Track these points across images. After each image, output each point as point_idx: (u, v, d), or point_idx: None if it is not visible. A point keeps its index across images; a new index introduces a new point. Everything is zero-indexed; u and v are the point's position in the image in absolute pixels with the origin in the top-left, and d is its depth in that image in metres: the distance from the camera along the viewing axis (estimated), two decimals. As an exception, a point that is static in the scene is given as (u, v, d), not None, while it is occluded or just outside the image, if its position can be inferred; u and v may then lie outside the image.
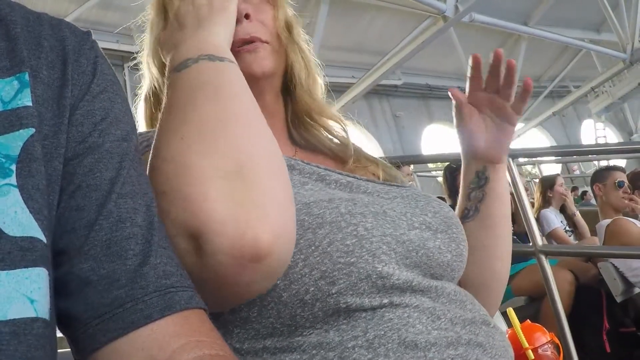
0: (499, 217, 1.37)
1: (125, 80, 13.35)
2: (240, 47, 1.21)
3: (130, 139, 0.83)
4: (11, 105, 0.71)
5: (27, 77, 0.74)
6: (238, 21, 1.18)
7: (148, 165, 0.91)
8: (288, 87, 1.33)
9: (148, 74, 1.30)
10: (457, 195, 4.42)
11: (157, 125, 0.95)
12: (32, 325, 0.62)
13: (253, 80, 1.18)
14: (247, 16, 1.22)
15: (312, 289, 0.94)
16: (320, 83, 1.37)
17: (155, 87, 1.28)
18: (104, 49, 0.88)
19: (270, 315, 0.96)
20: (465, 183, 1.42)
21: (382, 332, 0.95)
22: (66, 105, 0.76)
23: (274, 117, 1.28)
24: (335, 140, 1.35)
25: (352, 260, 0.95)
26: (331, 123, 1.35)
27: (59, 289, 0.70)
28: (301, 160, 1.18)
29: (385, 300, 0.97)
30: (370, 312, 0.97)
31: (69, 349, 0.75)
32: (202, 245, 0.81)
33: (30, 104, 0.72)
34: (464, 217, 1.38)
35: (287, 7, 1.33)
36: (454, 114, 1.45)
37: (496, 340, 1.06)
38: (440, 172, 6.76)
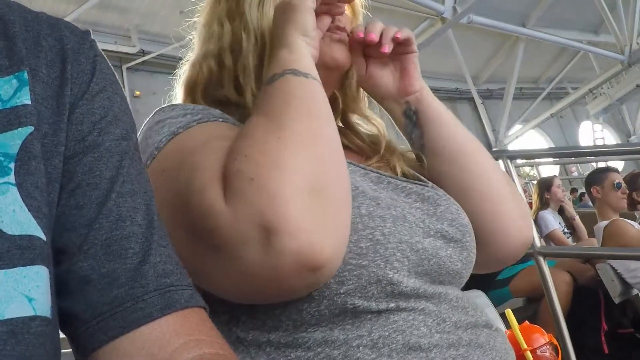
0: (445, 137, 1.28)
1: (123, 82, 13.37)
2: (333, 32, 1.23)
3: (130, 137, 0.82)
4: (10, 104, 0.71)
5: (26, 75, 0.74)
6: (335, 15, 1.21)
7: (231, 149, 0.92)
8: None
9: (221, 32, 1.26)
10: None
11: (250, 123, 0.96)
12: (30, 324, 0.62)
13: (331, 69, 1.23)
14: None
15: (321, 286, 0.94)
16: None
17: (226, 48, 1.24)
18: (102, 50, 0.88)
19: (278, 307, 0.96)
20: (401, 132, 1.35)
21: (387, 334, 0.96)
22: (65, 103, 0.76)
23: None
24: (366, 135, 1.37)
25: (363, 263, 0.96)
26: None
27: (59, 288, 0.70)
28: None
29: (392, 305, 0.98)
30: (376, 314, 0.97)
31: (70, 350, 0.75)
32: (272, 241, 0.82)
33: (29, 102, 0.72)
34: (422, 166, 1.30)
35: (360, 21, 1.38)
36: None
37: (497, 343, 1.07)
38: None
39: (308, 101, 0.97)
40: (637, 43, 17.28)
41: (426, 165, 1.28)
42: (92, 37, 0.87)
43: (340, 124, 1.37)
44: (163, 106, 1.15)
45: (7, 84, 0.73)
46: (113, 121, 0.80)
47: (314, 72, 1.03)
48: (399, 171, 1.26)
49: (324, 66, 1.18)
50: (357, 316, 0.97)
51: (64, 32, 0.82)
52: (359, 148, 1.33)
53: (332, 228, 0.86)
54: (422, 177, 1.26)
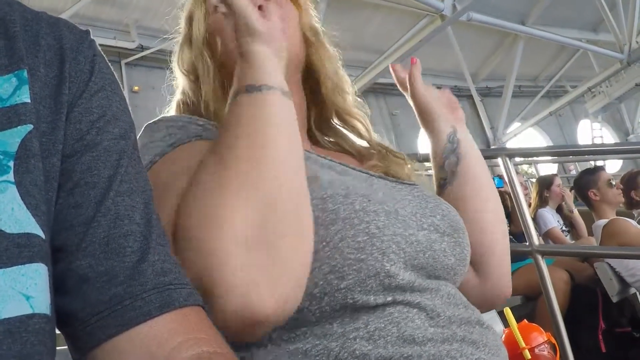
0: (478, 170, 1.39)
1: (122, 77, 13.36)
2: None
3: (128, 136, 0.83)
4: (9, 102, 0.71)
5: (25, 74, 0.74)
6: None
7: (181, 200, 0.93)
8: (314, 87, 1.36)
9: (180, 80, 1.34)
10: None
11: (201, 164, 0.96)
12: (27, 322, 0.62)
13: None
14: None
15: (321, 282, 0.96)
16: (349, 89, 1.40)
17: (183, 93, 1.33)
18: (100, 45, 0.88)
19: None
20: (437, 153, 1.41)
21: (382, 325, 0.97)
22: (63, 102, 0.76)
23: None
24: (360, 141, 1.38)
25: (362, 257, 0.97)
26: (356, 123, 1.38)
27: (57, 286, 0.70)
28: (316, 154, 1.19)
29: (389, 299, 0.99)
30: (374, 308, 0.99)
31: (64, 347, 0.75)
32: (212, 302, 0.82)
33: (28, 100, 0.72)
34: (442, 186, 1.39)
35: (311, 14, 1.37)
36: (401, 89, 1.48)
37: (489, 340, 1.09)
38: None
39: (259, 127, 0.95)
40: (637, 42, 17.28)
41: (447, 190, 1.36)
42: (91, 36, 0.87)
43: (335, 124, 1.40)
44: (150, 123, 1.16)
45: (7, 82, 0.73)
46: (111, 120, 0.81)
47: (271, 77, 1.01)
48: (397, 171, 1.29)
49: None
50: (355, 310, 0.98)
51: (63, 31, 0.83)
52: (359, 152, 1.36)
53: (279, 274, 0.86)
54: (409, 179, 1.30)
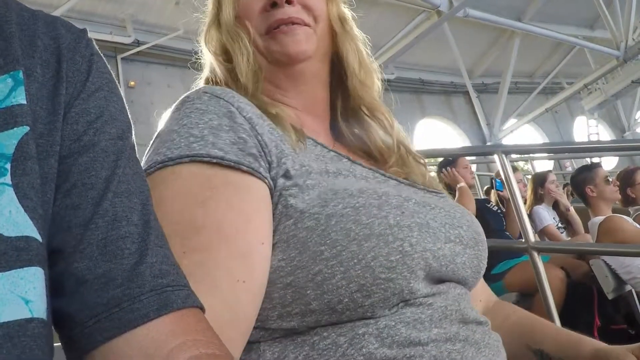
0: None
1: (118, 72, 13.35)
2: (277, 28, 1.23)
3: (126, 137, 0.82)
4: (5, 104, 0.71)
5: (21, 75, 0.73)
6: (278, 6, 1.23)
7: None
8: (341, 77, 1.35)
9: (206, 59, 1.35)
10: (454, 190, 4.37)
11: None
12: (26, 326, 0.62)
13: (289, 61, 1.24)
14: (289, 2, 1.24)
15: (346, 300, 0.95)
16: (375, 80, 1.39)
17: (210, 71, 1.34)
18: (96, 40, 0.87)
19: (293, 320, 0.97)
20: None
21: (393, 323, 0.97)
22: (60, 103, 0.76)
23: (315, 105, 1.31)
24: (383, 138, 1.37)
25: (392, 276, 0.96)
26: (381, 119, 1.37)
27: (54, 288, 0.69)
28: (346, 157, 1.18)
29: (402, 304, 0.99)
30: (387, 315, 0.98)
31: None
32: None
33: (24, 102, 0.72)
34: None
35: (340, 1, 1.36)
36: None
37: (492, 340, 1.09)
38: (433, 167, 6.75)
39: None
40: (633, 39, 17.31)
41: None
42: (88, 35, 0.86)
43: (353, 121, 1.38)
44: (180, 104, 1.10)
45: (2, 83, 0.72)
46: (109, 121, 0.80)
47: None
48: (423, 179, 1.29)
49: (281, 64, 1.24)
50: (369, 319, 0.97)
51: (60, 30, 0.82)
52: (379, 151, 1.34)
53: None
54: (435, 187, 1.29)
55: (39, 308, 0.64)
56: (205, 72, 1.34)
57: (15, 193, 0.66)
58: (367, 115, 1.37)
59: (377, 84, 1.39)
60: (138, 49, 13.78)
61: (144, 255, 0.73)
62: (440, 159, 6.40)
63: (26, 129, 0.70)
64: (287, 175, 1.03)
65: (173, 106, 1.11)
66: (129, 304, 0.70)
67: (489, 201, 5.95)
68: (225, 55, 1.28)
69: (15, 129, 0.69)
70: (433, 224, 1.06)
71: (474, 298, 1.21)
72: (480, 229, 1.21)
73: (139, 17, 13.64)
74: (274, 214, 1.01)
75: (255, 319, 0.96)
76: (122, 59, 13.96)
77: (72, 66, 0.80)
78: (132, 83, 13.84)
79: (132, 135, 0.85)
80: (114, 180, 0.76)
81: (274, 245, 1.00)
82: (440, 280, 1.06)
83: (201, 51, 1.36)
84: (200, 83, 1.34)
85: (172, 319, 0.72)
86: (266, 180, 1.01)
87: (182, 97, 1.11)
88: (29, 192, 0.67)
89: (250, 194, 0.99)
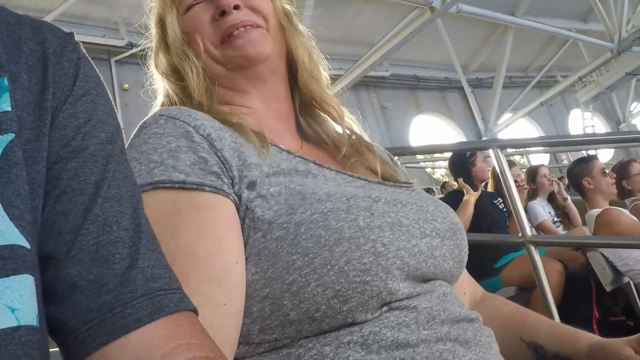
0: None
1: (112, 75, 13.34)
2: (231, 35, 1.23)
3: (115, 141, 0.81)
4: None
5: (5, 81, 0.73)
6: (226, 13, 1.23)
7: None
8: (293, 72, 1.35)
9: (160, 87, 1.34)
10: (472, 184, 4.32)
11: None
12: (13, 334, 0.61)
13: (249, 64, 1.23)
14: (236, 7, 1.24)
15: (324, 307, 0.94)
16: (323, 72, 1.39)
17: (165, 96, 1.32)
18: (90, 43, 0.88)
19: (275, 332, 0.96)
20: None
21: (377, 329, 0.95)
22: (47, 108, 0.75)
23: (280, 102, 1.31)
24: (335, 129, 1.37)
25: (367, 278, 0.94)
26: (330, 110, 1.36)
27: (46, 295, 0.69)
28: (313, 162, 1.16)
29: (385, 308, 0.98)
30: (371, 319, 0.97)
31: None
32: None
33: (9, 108, 0.71)
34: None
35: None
36: None
37: (483, 337, 1.08)
38: (429, 163, 6.74)
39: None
40: (626, 31, 17.33)
41: None
42: (75, 38, 0.85)
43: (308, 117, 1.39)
44: (138, 131, 1.09)
45: None
46: (97, 125, 0.80)
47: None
48: (379, 172, 1.28)
49: (241, 68, 1.25)
50: (352, 326, 0.96)
51: (46, 35, 0.82)
52: (333, 142, 1.34)
53: None
54: (401, 178, 1.30)
55: (27, 315, 0.63)
56: (160, 98, 1.33)
57: (0, 202, 0.65)
58: (318, 108, 1.37)
59: (325, 76, 1.39)
60: (131, 51, 13.75)
61: (135, 260, 0.73)
62: (441, 154, 6.38)
63: (11, 136, 0.69)
64: (250, 187, 1.02)
65: (133, 134, 1.10)
66: (122, 309, 0.69)
67: (496, 197, 5.92)
68: (177, 75, 1.27)
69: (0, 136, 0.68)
70: (405, 222, 1.05)
71: (458, 290, 1.20)
72: (457, 219, 1.20)
73: (132, 19, 13.61)
74: (242, 229, 1.01)
75: (237, 339, 0.96)
76: (115, 61, 13.96)
77: (59, 71, 0.79)
78: (126, 86, 13.83)
79: (121, 138, 0.84)
80: (104, 185, 0.76)
81: (246, 259, 0.99)
82: (424, 279, 1.05)
83: (152, 77, 1.36)
84: (156, 110, 1.31)
85: (165, 323, 0.71)
86: (231, 197, 1.01)
87: (140, 123, 1.10)
88: (15, 200, 0.66)
89: (217, 214, 0.98)
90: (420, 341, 0.96)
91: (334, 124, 1.38)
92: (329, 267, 0.94)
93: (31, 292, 0.64)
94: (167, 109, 1.10)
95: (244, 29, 1.23)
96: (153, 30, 1.35)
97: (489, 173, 6.66)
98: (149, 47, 1.37)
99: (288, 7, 1.38)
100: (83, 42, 0.87)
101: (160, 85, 1.33)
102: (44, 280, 0.69)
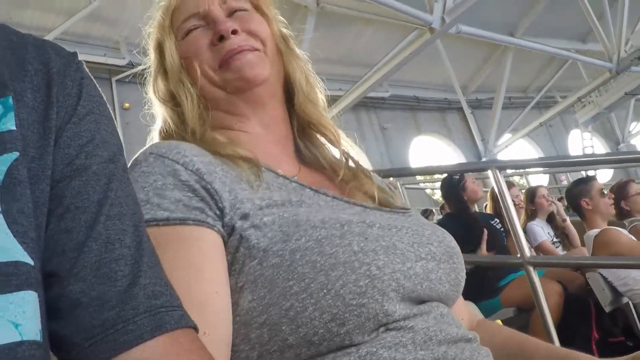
0: None
1: (113, 94, 13.36)
2: (229, 59, 1.24)
3: (117, 159, 0.83)
4: None
5: (10, 101, 0.74)
6: (225, 38, 1.25)
7: None
8: (292, 98, 1.36)
9: (159, 109, 1.35)
10: (465, 207, 4.34)
11: None
12: (16, 349, 0.62)
13: (248, 86, 1.25)
14: (234, 32, 1.26)
15: (322, 331, 0.94)
16: (320, 95, 1.40)
17: (162, 121, 1.33)
18: (91, 62, 0.89)
19: (273, 357, 0.97)
20: None
21: (374, 350, 0.96)
22: (51, 127, 0.76)
23: (278, 125, 1.33)
24: (333, 152, 1.37)
25: (363, 301, 0.95)
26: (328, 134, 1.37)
27: (50, 311, 0.70)
28: (309, 187, 1.18)
29: (382, 328, 0.98)
30: (368, 341, 0.97)
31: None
32: None
33: (14, 127, 0.72)
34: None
35: (279, 22, 1.39)
36: None
37: (481, 356, 1.08)
38: (429, 184, 6.75)
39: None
40: (625, 51, 17.35)
41: None
42: (78, 58, 0.87)
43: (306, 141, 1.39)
44: (130, 168, 1.10)
45: None
46: (100, 144, 0.81)
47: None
48: (376, 198, 1.28)
49: (240, 91, 1.26)
50: (350, 347, 0.97)
51: (50, 54, 0.83)
52: (331, 166, 1.35)
53: None
54: (397, 204, 1.30)
55: (30, 331, 0.64)
56: (158, 123, 1.34)
57: (4, 219, 0.66)
58: (316, 131, 1.38)
59: (322, 99, 1.40)
60: (133, 70, 13.77)
61: (137, 277, 0.74)
62: (437, 176, 6.40)
63: (15, 154, 0.70)
64: (244, 217, 1.03)
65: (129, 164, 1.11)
66: (124, 326, 0.70)
67: (493, 218, 5.93)
68: (174, 101, 1.29)
69: (4, 155, 0.69)
70: (400, 245, 1.05)
71: (456, 316, 1.19)
72: (454, 243, 1.21)
73: (133, 39, 13.64)
74: (236, 257, 1.01)
75: None
76: (116, 81, 13.97)
77: (63, 90, 0.80)
78: (127, 105, 13.83)
79: (123, 157, 0.86)
80: (107, 204, 0.77)
81: (241, 287, 1.00)
82: (420, 301, 1.05)
83: (150, 102, 1.37)
84: (154, 135, 1.35)
85: (166, 340, 0.72)
86: (215, 228, 1.01)
87: (132, 160, 1.11)
88: (19, 218, 0.67)
89: (198, 245, 0.99)
90: None
91: (332, 148, 1.38)
92: (325, 291, 0.95)
93: (34, 308, 0.65)
94: (157, 146, 1.12)
95: (242, 52, 1.24)
96: (152, 55, 1.37)
97: (488, 194, 6.67)
98: (148, 70, 1.38)
99: (285, 31, 1.39)
100: (84, 61, 0.89)
101: (158, 110, 1.34)
102: (48, 297, 0.70)
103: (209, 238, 1.01)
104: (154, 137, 1.35)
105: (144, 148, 1.14)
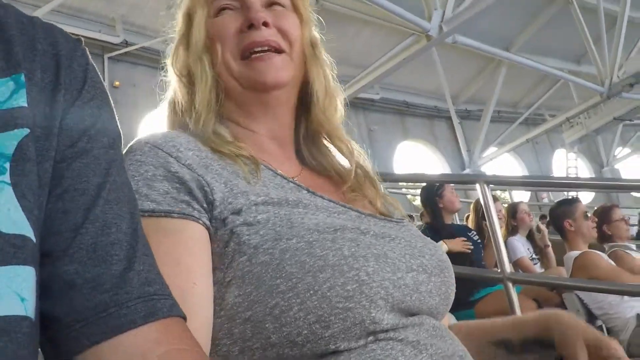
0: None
1: (104, 71, 13.32)
2: (253, 53, 1.21)
3: (117, 146, 0.84)
4: (6, 105, 0.71)
5: (22, 78, 0.74)
6: (254, 27, 1.21)
7: None
8: (305, 102, 1.34)
9: (173, 80, 1.32)
10: (439, 216, 4.37)
11: None
12: (21, 323, 0.62)
13: (265, 89, 1.22)
14: (265, 24, 1.22)
15: (305, 332, 0.94)
16: (338, 106, 1.37)
17: (173, 92, 1.32)
18: (85, 37, 0.89)
19: (255, 354, 0.96)
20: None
21: None
22: (58, 109, 0.77)
23: (284, 131, 1.30)
24: (342, 162, 1.35)
25: (350, 305, 0.95)
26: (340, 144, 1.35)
27: (41, 290, 0.69)
28: (306, 189, 1.16)
29: (371, 338, 0.97)
30: (355, 349, 0.97)
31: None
32: None
33: (25, 104, 0.73)
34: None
35: (312, 25, 1.35)
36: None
37: None
38: (411, 190, 6.78)
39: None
40: (618, 76, 17.50)
41: None
42: (83, 45, 0.88)
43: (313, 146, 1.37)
44: (124, 155, 1.07)
45: (4, 85, 0.73)
46: (102, 130, 0.82)
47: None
48: (378, 206, 1.28)
49: (256, 91, 1.23)
50: (336, 353, 0.96)
51: (58, 37, 0.83)
52: (336, 171, 1.33)
53: None
54: (396, 215, 1.29)
55: (32, 308, 0.65)
56: (170, 93, 1.33)
57: (14, 192, 0.66)
58: (327, 141, 1.36)
59: (340, 110, 1.37)
60: (126, 49, 13.76)
61: (132, 263, 0.74)
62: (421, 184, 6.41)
63: (26, 131, 0.71)
64: (237, 212, 1.02)
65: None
66: (117, 310, 0.71)
67: (470, 230, 5.95)
68: (189, 78, 1.27)
69: (15, 130, 0.70)
70: (392, 255, 1.05)
71: None
72: (445, 257, 1.20)
73: (129, 17, 13.65)
74: (225, 252, 1.01)
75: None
76: (109, 58, 13.94)
77: (70, 74, 0.81)
78: (117, 83, 13.82)
79: (122, 145, 0.87)
80: (105, 188, 0.77)
81: (229, 282, 1.00)
82: (410, 313, 1.04)
83: (166, 70, 1.34)
84: (164, 104, 1.34)
85: (157, 327, 0.73)
86: (200, 221, 1.01)
87: (127, 147, 1.11)
88: (27, 193, 0.68)
89: (179, 237, 0.99)
90: None
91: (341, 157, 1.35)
92: (311, 292, 0.94)
93: (34, 285, 0.66)
94: (153, 136, 1.11)
95: (267, 51, 1.21)
96: (179, 21, 1.33)
97: (471, 206, 6.68)
98: (172, 34, 1.35)
99: (315, 34, 1.36)
100: (76, 35, 0.90)
101: (172, 80, 1.32)
102: (41, 276, 0.69)
103: (192, 231, 1.00)
104: (164, 106, 1.34)
105: (141, 136, 1.13)
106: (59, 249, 0.71)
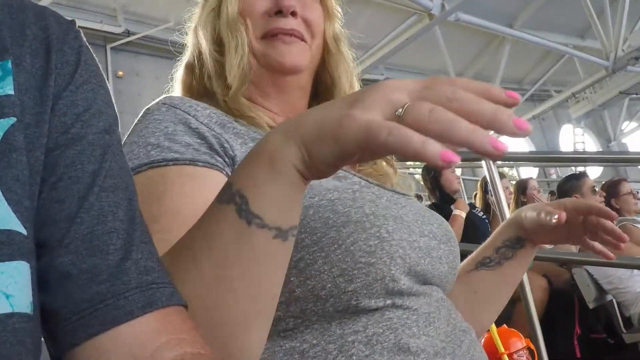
0: (515, 280, 1.44)
1: (107, 61, 13.29)
2: (275, 36, 1.24)
3: (113, 131, 0.81)
4: None
5: (9, 65, 0.72)
6: (283, 14, 1.23)
7: None
8: (323, 92, 1.37)
9: (192, 42, 1.34)
10: (440, 192, 4.39)
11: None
12: (6, 321, 0.61)
13: (281, 71, 1.25)
14: (293, 14, 1.25)
15: (329, 285, 0.96)
16: None
17: (195, 57, 1.33)
18: (86, 28, 0.87)
19: (279, 309, 0.94)
20: (499, 237, 1.44)
21: (381, 331, 0.98)
22: (49, 94, 0.75)
23: (293, 114, 1.30)
24: None
25: (372, 260, 0.97)
26: None
27: (38, 282, 0.68)
28: None
29: (389, 302, 1.00)
30: (374, 311, 0.99)
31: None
32: None
33: (12, 92, 0.70)
34: (482, 263, 1.41)
35: (337, 20, 1.38)
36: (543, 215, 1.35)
37: (476, 352, 1.10)
38: (418, 170, 6.77)
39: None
40: (623, 50, 17.39)
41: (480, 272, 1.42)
42: (77, 27, 0.85)
43: None
44: (142, 117, 1.13)
45: None
46: (96, 114, 0.79)
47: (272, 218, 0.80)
48: (393, 181, 1.32)
49: (272, 71, 1.26)
50: (356, 312, 0.98)
51: (49, 21, 0.81)
52: None
53: None
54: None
55: (22, 302, 0.63)
56: (188, 56, 1.35)
57: None
58: None
59: None
60: (128, 39, 13.74)
61: (129, 252, 0.73)
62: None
63: (13, 120, 0.69)
64: None
65: (137, 119, 1.13)
66: (114, 301, 0.69)
67: (474, 206, 5.95)
68: (217, 47, 1.28)
69: (1, 120, 0.68)
70: (406, 218, 1.08)
71: None
72: (450, 228, 1.24)
73: (131, 7, 13.60)
74: None
75: None
76: (111, 48, 13.90)
77: (61, 57, 0.78)
78: (121, 73, 13.79)
79: (118, 129, 0.84)
80: (101, 175, 0.75)
81: None
82: (422, 280, 1.06)
83: (186, 32, 1.36)
84: (180, 69, 1.36)
85: (156, 317, 0.71)
86: (224, 172, 1.02)
87: (144, 109, 1.13)
88: (14, 185, 0.66)
89: (206, 182, 0.98)
90: (420, 350, 0.98)
91: None
92: (336, 246, 0.97)
93: (26, 279, 0.64)
94: (170, 98, 1.13)
95: (290, 36, 1.23)
96: None
97: (478, 184, 6.66)
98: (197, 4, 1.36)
99: (339, 31, 1.39)
100: (80, 27, 0.87)
101: (191, 44, 1.34)
102: (37, 268, 0.68)
103: (217, 178, 1.01)
104: (179, 70, 1.36)
105: (158, 99, 1.15)
106: (55, 239, 0.70)
